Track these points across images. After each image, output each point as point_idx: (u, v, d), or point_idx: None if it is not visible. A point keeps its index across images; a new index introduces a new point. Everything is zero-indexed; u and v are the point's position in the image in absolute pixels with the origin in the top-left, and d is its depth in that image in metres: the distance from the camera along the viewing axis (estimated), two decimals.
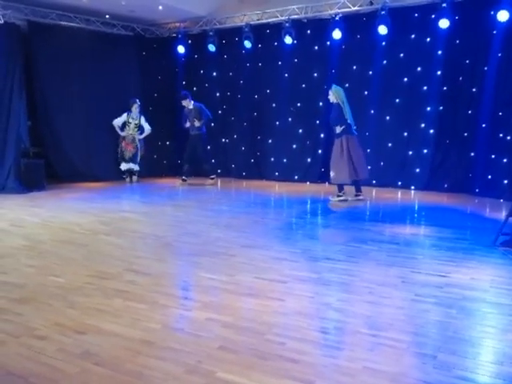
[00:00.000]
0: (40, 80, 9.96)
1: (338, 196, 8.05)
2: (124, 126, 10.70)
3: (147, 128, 10.81)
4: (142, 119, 10.76)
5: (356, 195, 8.17)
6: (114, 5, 9.68)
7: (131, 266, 4.33)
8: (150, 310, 3.31)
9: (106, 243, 5.20)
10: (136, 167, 10.84)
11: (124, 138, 10.72)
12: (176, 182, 10.52)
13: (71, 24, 10.27)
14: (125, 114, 10.65)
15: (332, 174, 8.02)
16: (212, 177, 10.43)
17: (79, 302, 3.43)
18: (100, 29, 10.75)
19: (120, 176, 10.88)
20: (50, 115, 10.09)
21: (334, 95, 7.89)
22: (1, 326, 3.02)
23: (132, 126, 10.69)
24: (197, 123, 10.03)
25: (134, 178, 10.92)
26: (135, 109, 10.68)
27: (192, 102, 10.13)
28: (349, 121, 7.84)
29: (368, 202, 8.07)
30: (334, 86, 8.01)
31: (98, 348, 2.72)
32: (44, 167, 9.46)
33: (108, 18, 10.68)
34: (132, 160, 10.79)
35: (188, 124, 10.15)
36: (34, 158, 9.57)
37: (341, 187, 8.06)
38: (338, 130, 7.90)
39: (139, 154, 10.85)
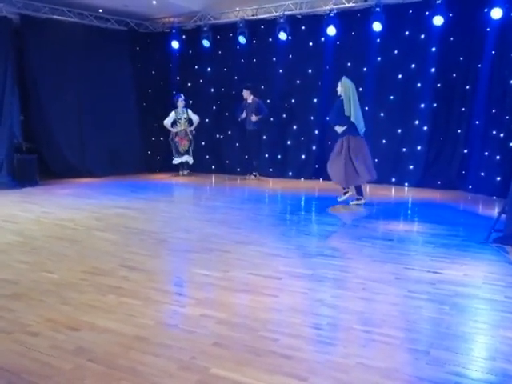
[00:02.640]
0: (33, 74, 9.88)
1: (357, 199, 7.44)
2: (174, 123, 10.97)
3: (195, 119, 11.00)
4: (189, 112, 10.98)
5: (357, 198, 7.47)
6: None
7: (125, 262, 4.32)
8: (144, 306, 3.30)
9: (100, 239, 5.18)
10: (191, 159, 11.18)
11: (177, 133, 11.00)
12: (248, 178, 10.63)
13: (64, 18, 10.19)
14: (172, 113, 10.92)
15: (329, 172, 7.53)
16: (254, 174, 10.44)
17: (73, 298, 3.42)
18: (93, 23, 10.68)
19: (111, 171, 10.82)
20: (42, 110, 10.01)
21: (343, 88, 7.15)
22: None
23: (182, 121, 10.95)
24: (254, 118, 9.99)
25: (185, 172, 11.29)
26: (180, 103, 10.91)
27: (252, 96, 10.11)
28: (352, 119, 7.06)
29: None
30: (344, 78, 7.27)
31: (91, 344, 2.72)
32: (37, 162, 9.41)
33: (101, 12, 10.60)
34: (187, 152, 11.14)
35: (244, 115, 10.11)
36: (26, 154, 9.51)
37: (359, 190, 7.44)
38: (339, 130, 7.25)
39: (192, 146, 11.18)
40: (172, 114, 10.93)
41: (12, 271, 4.03)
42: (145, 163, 11.60)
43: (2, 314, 3.13)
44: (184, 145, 11.11)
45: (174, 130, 10.98)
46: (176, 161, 11.19)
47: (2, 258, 4.43)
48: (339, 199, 7.59)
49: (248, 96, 10.12)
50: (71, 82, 10.29)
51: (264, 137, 10.99)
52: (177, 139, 11.02)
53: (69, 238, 5.21)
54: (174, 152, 11.14)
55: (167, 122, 10.94)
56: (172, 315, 3.22)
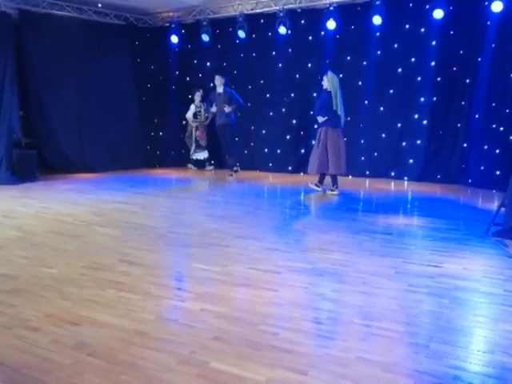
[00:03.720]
0: (32, 69, 9.84)
1: (316, 185, 8.04)
2: (194, 116, 11.07)
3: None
4: (206, 105, 10.97)
5: (331, 189, 7.86)
6: None
7: (125, 256, 4.32)
8: (144, 300, 3.30)
9: (100, 234, 5.18)
10: (207, 156, 11.31)
11: (197, 127, 11.09)
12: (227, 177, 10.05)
13: (63, 13, 10.15)
14: (192, 106, 11.04)
15: (309, 163, 8.01)
16: (235, 169, 9.74)
17: (73, 293, 3.42)
18: (92, 18, 10.64)
19: (110, 166, 10.79)
20: (42, 105, 9.98)
21: (329, 82, 7.61)
22: None
23: (202, 114, 11.07)
24: (227, 108, 9.28)
25: (210, 167, 11.34)
26: (197, 97, 11.00)
27: (223, 85, 9.50)
28: (339, 112, 7.58)
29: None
30: (329, 72, 7.73)
31: (91, 339, 2.72)
32: (36, 158, 9.40)
33: (100, 6, 10.55)
34: (207, 147, 11.25)
35: (214, 109, 9.50)
36: (26, 149, 9.49)
37: (335, 179, 7.87)
38: (321, 119, 7.72)
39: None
40: (192, 107, 11.03)
41: (12, 266, 4.04)
42: (144, 158, 11.59)
43: (2, 309, 3.13)
44: (203, 139, 11.16)
45: (194, 125, 11.04)
46: (198, 155, 11.20)
47: (1, 253, 4.43)
48: (310, 185, 8.11)
49: (219, 84, 9.42)
50: (70, 76, 10.25)
51: (263, 131, 10.97)
52: (198, 133, 11.08)
53: (68, 233, 5.21)
54: (194, 148, 11.17)
55: (190, 114, 11.03)
56: (172, 310, 3.23)
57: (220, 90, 9.15)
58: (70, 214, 6.19)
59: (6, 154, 8.92)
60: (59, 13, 10.08)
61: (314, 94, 10.24)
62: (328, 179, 8.03)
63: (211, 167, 11.36)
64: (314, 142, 8.07)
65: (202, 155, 11.26)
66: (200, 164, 11.38)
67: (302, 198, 7.93)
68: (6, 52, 9.08)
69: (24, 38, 9.69)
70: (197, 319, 3.00)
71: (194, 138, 11.14)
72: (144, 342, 2.69)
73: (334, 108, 7.54)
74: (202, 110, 11.05)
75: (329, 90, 7.61)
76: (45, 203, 6.91)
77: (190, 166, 11.45)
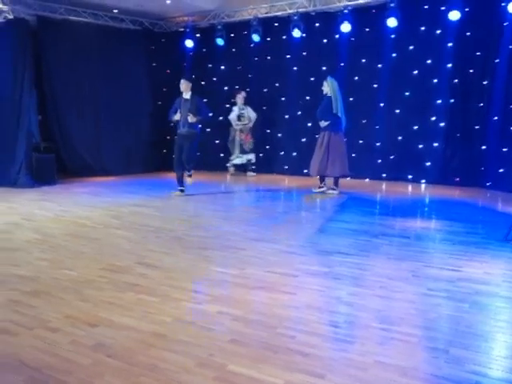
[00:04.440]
0: (49, 75, 10.01)
1: (319, 187, 8.22)
2: (239, 118, 10.76)
3: (254, 116, 10.78)
4: (249, 109, 10.74)
5: (332, 188, 8.18)
6: None
7: (142, 259, 4.35)
8: (162, 303, 3.32)
9: (117, 237, 5.22)
10: (253, 158, 10.88)
11: (241, 130, 10.76)
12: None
13: (80, 19, 10.30)
14: (235, 108, 10.74)
15: (310, 165, 8.24)
16: (181, 188, 8.11)
17: (91, 295, 3.45)
18: (108, 23, 10.77)
19: (126, 169, 10.86)
20: (59, 109, 10.14)
21: (329, 87, 7.88)
22: (15, 318, 3.05)
23: (246, 116, 10.72)
24: (191, 118, 7.73)
25: (251, 173, 10.84)
26: (239, 99, 10.69)
27: (191, 91, 8.01)
28: (339, 114, 7.84)
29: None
30: (329, 78, 7.99)
31: (110, 340, 2.74)
32: (54, 162, 9.54)
33: (116, 12, 10.68)
34: (252, 150, 10.84)
35: (177, 116, 7.90)
36: (44, 153, 9.64)
37: (336, 182, 8.15)
38: (323, 124, 7.96)
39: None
40: (235, 109, 10.76)
41: (31, 268, 4.09)
42: (160, 162, 11.67)
43: (23, 310, 3.17)
44: (248, 142, 10.80)
45: (237, 127, 10.76)
46: (239, 160, 10.83)
47: (21, 255, 4.50)
48: (314, 190, 8.27)
49: (186, 90, 7.94)
50: (87, 81, 10.40)
51: (279, 134, 10.96)
52: (241, 137, 10.74)
53: (86, 235, 5.27)
54: (236, 152, 10.83)
55: (233, 116, 10.70)
56: (189, 312, 3.24)
57: (187, 96, 7.88)
58: (87, 216, 6.26)
59: (25, 158, 9.06)
60: (76, 19, 10.24)
61: None
62: (329, 180, 8.18)
63: (253, 174, 10.84)
64: (316, 146, 8.20)
65: (245, 159, 10.81)
66: (241, 168, 11.01)
67: (318, 200, 7.90)
68: (24, 58, 9.22)
69: (42, 43, 9.87)
70: (214, 322, 3.01)
71: (236, 142, 10.76)
72: (162, 344, 2.70)
73: (335, 112, 7.80)
74: (246, 113, 10.73)
75: (329, 94, 7.87)
76: (63, 206, 7.00)
77: (230, 170, 11.13)
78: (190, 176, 8.20)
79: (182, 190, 8.04)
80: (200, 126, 8.59)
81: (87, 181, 9.88)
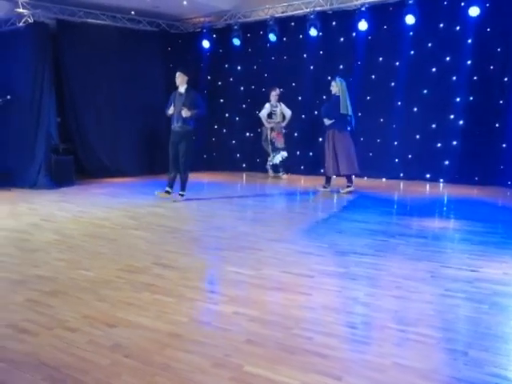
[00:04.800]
0: (68, 77, 10.15)
1: (348, 187, 8.27)
2: (269, 116, 10.38)
3: (289, 113, 10.37)
4: (283, 106, 10.37)
5: (347, 186, 8.29)
6: (140, 1, 9.77)
7: (159, 259, 4.38)
8: (178, 303, 3.34)
9: (134, 237, 5.27)
10: (285, 156, 10.42)
11: (272, 128, 10.35)
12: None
13: (98, 21, 10.42)
14: (267, 104, 10.33)
15: (325, 165, 8.42)
16: (181, 193, 7.58)
17: (108, 296, 3.49)
18: (126, 25, 10.87)
19: (143, 171, 10.93)
20: (77, 111, 10.28)
21: (338, 87, 8.02)
22: (34, 317, 3.10)
23: (278, 113, 10.33)
24: (185, 113, 7.16)
25: (284, 175, 10.47)
26: (273, 97, 10.32)
27: (186, 84, 7.47)
28: (349, 113, 7.98)
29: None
30: (337, 78, 8.12)
31: (127, 340, 2.77)
32: (73, 163, 9.67)
33: (133, 14, 10.78)
34: (285, 148, 10.41)
35: (171, 111, 7.38)
36: (63, 155, 9.78)
37: (349, 179, 8.26)
38: (327, 122, 8.10)
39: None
40: (267, 106, 10.33)
41: (50, 268, 4.15)
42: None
43: (42, 310, 3.22)
44: (280, 141, 10.38)
45: (269, 126, 10.34)
46: (276, 159, 10.40)
47: (41, 255, 4.57)
48: (341, 190, 8.32)
49: (181, 83, 7.42)
50: (105, 83, 10.51)
51: (295, 134, 10.92)
52: (273, 135, 10.33)
53: (104, 236, 5.33)
54: (270, 151, 10.42)
55: (264, 113, 10.30)
56: (205, 312, 3.25)
57: (182, 89, 7.38)
58: (105, 217, 6.33)
59: (44, 159, 9.20)
60: (94, 21, 10.36)
61: None
62: (338, 179, 8.33)
63: (285, 175, 10.48)
64: (324, 146, 8.36)
65: (279, 158, 10.40)
66: (276, 169, 10.65)
67: (334, 200, 7.86)
68: (44, 61, 9.37)
69: (61, 46, 10.01)
70: (230, 322, 3.01)
71: (269, 141, 10.39)
72: (178, 344, 2.72)
73: (342, 111, 7.93)
74: (278, 110, 10.31)
75: (338, 94, 8.00)
76: (81, 207, 7.09)
77: (270, 173, 10.71)
78: (181, 195, 7.55)
79: (167, 192, 7.49)
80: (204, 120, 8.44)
81: (104, 182, 9.99)
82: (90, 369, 2.46)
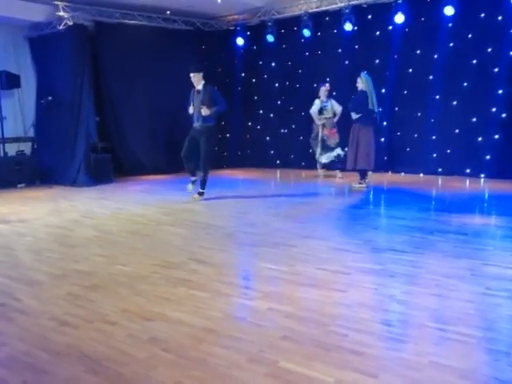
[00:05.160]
0: (106, 77, 10.38)
1: (360, 183, 8.40)
2: (321, 112, 9.74)
3: (339, 109, 9.72)
4: (333, 101, 9.81)
5: (359, 182, 8.40)
6: (175, 1, 9.88)
7: (194, 255, 4.44)
8: (213, 298, 3.37)
9: (170, 233, 5.35)
10: (342, 153, 9.58)
11: (324, 125, 9.69)
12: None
13: (134, 22, 10.60)
14: (317, 101, 9.76)
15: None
16: (201, 191, 7.42)
17: (145, 290, 3.56)
18: (161, 25, 11.02)
19: (179, 168, 11.01)
20: (115, 111, 10.50)
21: (364, 83, 8.15)
22: (76, 311, 3.20)
23: (329, 109, 9.72)
24: (205, 111, 7.04)
25: (339, 174, 9.76)
26: (323, 92, 9.75)
27: (203, 81, 7.29)
28: (375, 109, 8.14)
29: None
30: (363, 74, 8.22)
31: (164, 334, 2.81)
32: (111, 161, 9.90)
33: (169, 13, 10.91)
34: (339, 145, 9.66)
35: (191, 109, 7.27)
36: (102, 153, 10.03)
37: (363, 174, 8.37)
38: (354, 116, 8.23)
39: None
40: (317, 102, 9.72)
41: (90, 264, 4.27)
42: (211, 159, 11.80)
43: (83, 304, 3.32)
44: (334, 138, 9.68)
45: (319, 123, 9.68)
46: (327, 157, 9.75)
47: (81, 251, 4.71)
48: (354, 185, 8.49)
49: (198, 81, 7.22)
50: (141, 82, 10.69)
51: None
52: (325, 132, 9.66)
53: (140, 232, 5.43)
54: (319, 150, 9.76)
55: (314, 109, 9.70)
56: (240, 308, 3.27)
57: (199, 87, 7.20)
58: (141, 214, 6.45)
59: (84, 157, 9.47)
60: (131, 22, 10.54)
61: (383, 91, 9.98)
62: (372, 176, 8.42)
63: (341, 174, 9.74)
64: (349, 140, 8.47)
65: (331, 157, 9.74)
66: (329, 167, 10.06)
67: (370, 196, 7.75)
68: (83, 62, 9.63)
69: (98, 47, 10.25)
70: (265, 318, 3.02)
71: (320, 138, 9.70)
72: (213, 340, 2.74)
73: (370, 107, 8.06)
74: (329, 106, 9.69)
75: (364, 89, 8.13)
76: (119, 204, 7.25)
77: (320, 171, 10.15)
78: (201, 194, 7.38)
79: (193, 182, 7.38)
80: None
81: (141, 179, 10.18)
82: (129, 361, 2.52)
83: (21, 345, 2.74)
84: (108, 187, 9.16)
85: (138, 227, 5.70)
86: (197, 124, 7.21)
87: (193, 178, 7.42)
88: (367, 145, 8.15)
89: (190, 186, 7.38)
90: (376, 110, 8.17)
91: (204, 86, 7.20)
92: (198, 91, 7.19)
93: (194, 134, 7.25)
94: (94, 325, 2.98)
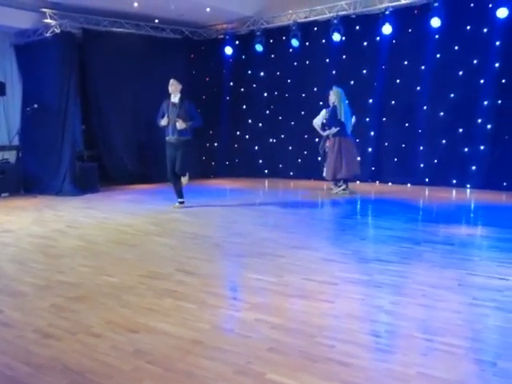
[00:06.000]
0: (93, 85, 10.33)
1: (343, 190, 8.86)
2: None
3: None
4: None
5: (343, 189, 8.86)
6: (163, 9, 9.89)
7: (181, 266, 4.40)
8: (200, 310, 3.34)
9: (157, 244, 5.31)
10: None
11: (328, 137, 8.92)
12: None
13: (122, 30, 10.58)
14: (323, 111, 9.01)
15: (324, 169, 8.97)
16: (180, 200, 7.47)
17: (131, 302, 3.51)
18: (150, 33, 11.01)
19: (166, 177, 10.96)
20: (102, 119, 10.43)
21: (335, 96, 8.49)
22: (60, 323, 3.14)
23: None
24: (180, 125, 6.95)
25: (337, 189, 8.97)
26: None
27: (180, 94, 7.21)
28: (344, 120, 8.46)
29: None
30: (334, 87, 8.57)
31: (149, 346, 2.77)
32: (97, 170, 9.80)
33: (157, 22, 10.92)
34: None
35: (165, 121, 7.07)
36: (88, 161, 9.94)
37: (345, 182, 8.83)
38: (333, 131, 8.62)
39: None
40: (323, 113, 9.00)
41: (75, 274, 4.21)
42: (199, 169, 11.79)
43: (67, 315, 3.26)
44: None
45: (324, 134, 9.01)
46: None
47: (66, 261, 4.64)
48: (332, 192, 8.99)
49: (175, 91, 7.13)
50: (129, 91, 10.64)
51: (317, 139, 10.85)
52: (327, 144, 8.98)
53: (127, 242, 5.38)
54: (327, 163, 8.94)
55: (317, 121, 9.04)
56: (227, 319, 3.24)
57: (175, 99, 7.07)
58: (128, 224, 6.39)
59: (69, 166, 9.36)
60: (119, 30, 10.53)
61: (370, 101, 10.09)
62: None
63: (338, 189, 8.98)
64: (328, 151, 8.84)
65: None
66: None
67: (357, 207, 7.77)
68: (70, 69, 9.57)
69: (86, 55, 10.20)
70: (252, 329, 2.99)
71: (322, 151, 9.15)
72: (200, 351, 2.71)
73: (339, 118, 8.47)
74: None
75: (335, 103, 8.50)
76: (105, 214, 7.18)
77: (333, 187, 9.17)
78: (181, 203, 7.48)
79: (181, 202, 7.46)
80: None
81: (128, 188, 10.10)
82: (113, 374, 2.48)
83: (1, 357, 2.69)
84: (94, 196, 9.07)
85: (124, 237, 5.64)
86: (172, 137, 7.11)
87: (180, 200, 7.48)
88: (351, 154, 8.59)
89: (177, 205, 7.48)
90: (343, 120, 8.48)
91: (181, 99, 7.13)
92: (174, 104, 7.09)
93: (171, 151, 7.17)
94: (77, 337, 2.93)
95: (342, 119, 8.49)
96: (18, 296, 3.69)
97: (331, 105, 8.65)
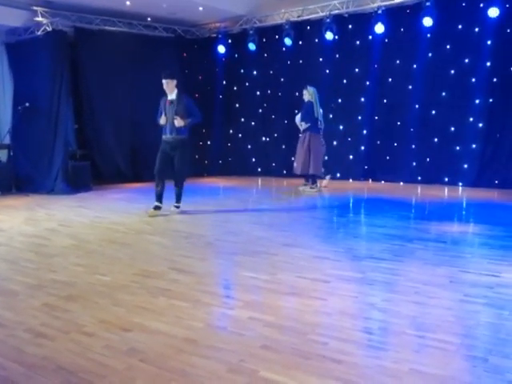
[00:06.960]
0: (85, 84, 10.28)
1: (311, 188, 8.98)
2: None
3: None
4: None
5: (310, 187, 8.98)
6: (156, 8, 9.86)
7: (175, 264, 4.39)
8: (193, 308, 3.34)
9: (150, 242, 5.29)
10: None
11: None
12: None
13: (115, 28, 10.54)
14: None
15: (294, 164, 9.15)
16: (176, 205, 6.96)
17: (125, 300, 3.50)
18: (142, 32, 10.97)
19: None
20: (95, 117, 10.38)
21: (310, 94, 8.71)
22: (52, 322, 3.13)
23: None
24: (179, 122, 6.55)
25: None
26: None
27: (177, 89, 6.80)
28: (320, 118, 8.76)
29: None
30: (308, 87, 8.80)
31: (143, 345, 2.77)
32: (90, 169, 9.76)
33: (149, 20, 10.88)
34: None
35: (163, 120, 6.68)
36: (80, 160, 9.89)
37: (314, 179, 8.96)
38: (304, 126, 8.77)
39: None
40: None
41: (68, 273, 4.19)
42: (193, 167, 11.75)
43: (59, 315, 3.25)
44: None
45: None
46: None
47: (58, 260, 4.62)
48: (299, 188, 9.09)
49: (170, 89, 6.71)
50: (121, 90, 10.60)
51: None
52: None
53: (120, 241, 5.36)
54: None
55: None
56: (220, 317, 3.24)
57: (172, 96, 6.68)
58: (121, 222, 6.37)
59: (62, 165, 9.31)
60: (111, 28, 10.48)
61: (362, 99, 10.13)
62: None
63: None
64: (298, 145, 9.00)
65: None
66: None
67: (350, 205, 7.80)
68: (62, 68, 9.50)
69: (79, 53, 10.14)
70: (245, 327, 3.00)
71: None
72: (193, 350, 2.71)
73: (316, 116, 8.68)
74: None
75: (311, 100, 8.70)
76: (98, 212, 7.15)
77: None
78: (177, 207, 6.92)
79: (157, 207, 6.77)
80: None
81: (121, 187, 10.06)
82: (107, 373, 2.47)
83: None
84: (86, 195, 9.03)
85: (117, 236, 5.62)
86: (169, 136, 6.66)
87: (157, 204, 6.78)
88: (319, 152, 8.78)
89: (151, 212, 6.73)
90: (320, 118, 8.77)
91: (178, 95, 6.71)
92: (171, 101, 6.66)
93: (167, 148, 6.71)
94: (70, 336, 2.92)
95: (316, 115, 8.71)
96: (9, 295, 3.67)
97: (306, 101, 8.79)
